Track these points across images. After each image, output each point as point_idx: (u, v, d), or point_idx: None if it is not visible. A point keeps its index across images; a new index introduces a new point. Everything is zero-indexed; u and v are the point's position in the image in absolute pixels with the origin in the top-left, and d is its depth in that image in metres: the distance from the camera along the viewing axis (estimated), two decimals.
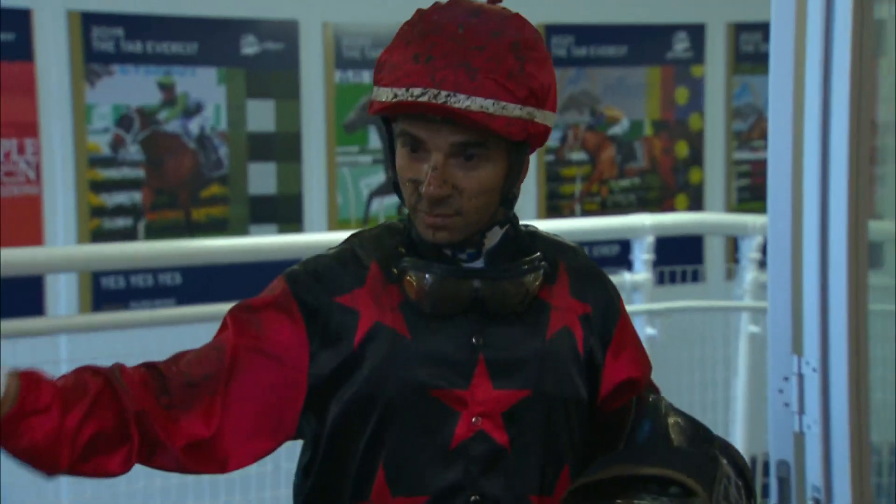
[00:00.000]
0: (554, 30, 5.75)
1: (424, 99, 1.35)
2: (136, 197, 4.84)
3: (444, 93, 1.34)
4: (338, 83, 5.21)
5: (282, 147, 5.14)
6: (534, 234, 1.57)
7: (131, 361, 3.19)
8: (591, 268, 1.59)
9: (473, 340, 1.43)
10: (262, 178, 5.10)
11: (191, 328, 3.63)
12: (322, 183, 5.23)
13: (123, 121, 4.79)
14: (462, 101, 1.34)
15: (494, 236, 1.49)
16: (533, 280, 1.46)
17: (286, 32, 5.12)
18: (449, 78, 1.35)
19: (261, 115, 5.08)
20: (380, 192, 5.33)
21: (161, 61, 4.87)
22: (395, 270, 1.44)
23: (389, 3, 4.85)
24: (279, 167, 5.13)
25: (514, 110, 1.37)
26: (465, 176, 1.40)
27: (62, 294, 4.71)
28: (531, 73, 1.39)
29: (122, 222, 4.81)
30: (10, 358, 3.40)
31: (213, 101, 4.97)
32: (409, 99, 1.37)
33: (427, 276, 1.41)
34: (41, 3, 4.58)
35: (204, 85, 4.96)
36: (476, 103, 1.35)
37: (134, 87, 4.81)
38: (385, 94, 1.40)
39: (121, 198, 4.80)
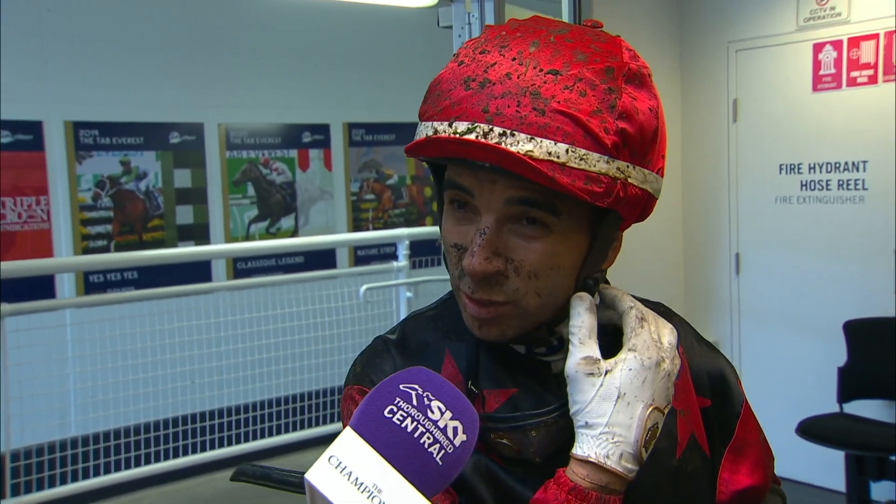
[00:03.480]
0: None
1: (470, 137, 0.79)
2: (108, 228, 5.53)
3: (497, 130, 0.79)
4: (227, 158, 5.97)
5: (195, 196, 5.87)
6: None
7: (109, 324, 4.46)
8: (707, 349, 1.05)
9: None
10: (184, 214, 5.82)
11: (139, 304, 4.62)
12: (220, 216, 5.94)
13: (100, 184, 5.48)
14: (522, 144, 0.79)
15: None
16: None
17: (196, 129, 5.83)
18: (508, 109, 0.79)
19: (182, 178, 5.79)
20: (255, 220, 6.06)
21: (122, 148, 5.57)
22: (473, 388, 0.90)
23: (257, 110, 5.98)
24: (194, 207, 5.86)
25: (598, 163, 0.80)
26: (525, 246, 0.84)
27: (66, 285, 5.39)
28: (628, 112, 0.82)
29: (100, 243, 5.49)
30: (38, 321, 4.19)
31: (153, 171, 5.70)
32: (450, 135, 0.81)
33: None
34: (49, 116, 5.30)
35: (148, 161, 5.68)
36: (541, 148, 0.78)
37: (105, 164, 5.51)
38: (425, 131, 0.85)
39: (99, 229, 5.49)
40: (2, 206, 5.22)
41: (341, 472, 0.69)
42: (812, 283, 4.46)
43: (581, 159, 0.80)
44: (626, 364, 0.83)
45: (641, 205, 0.87)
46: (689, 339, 1.03)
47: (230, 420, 4.84)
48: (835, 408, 4.16)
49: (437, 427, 0.72)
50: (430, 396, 0.73)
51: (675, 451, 0.94)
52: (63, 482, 4.25)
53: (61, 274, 5.45)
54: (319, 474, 0.69)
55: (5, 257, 5.14)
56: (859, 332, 4.17)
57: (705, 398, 1.00)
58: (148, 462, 4.50)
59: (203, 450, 4.70)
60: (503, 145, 0.79)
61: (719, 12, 4.69)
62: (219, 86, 5.94)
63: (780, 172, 4.54)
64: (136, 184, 5.69)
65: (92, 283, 5.55)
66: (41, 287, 5.21)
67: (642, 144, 0.84)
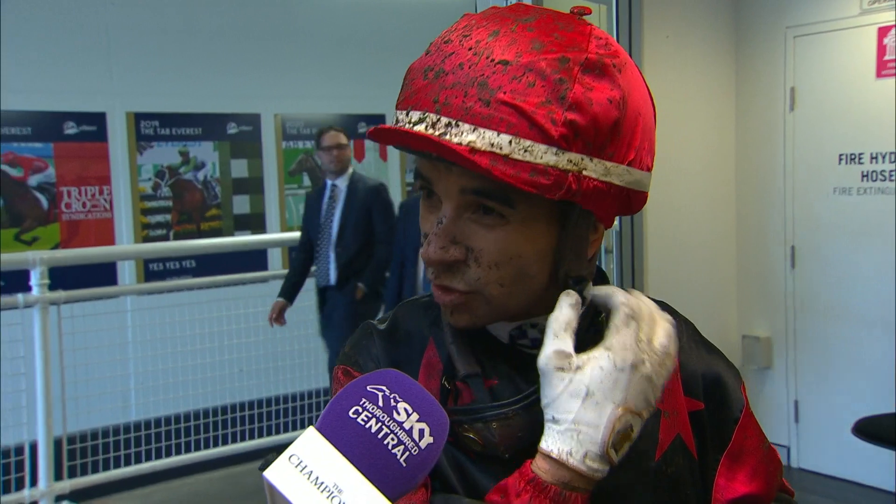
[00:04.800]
0: None
1: (421, 128, 0.77)
2: (168, 217, 5.66)
3: (444, 120, 0.76)
4: (284, 148, 6.01)
5: (252, 186, 5.93)
6: None
7: (169, 310, 4.53)
8: (706, 351, 0.98)
9: None
10: (241, 204, 5.91)
11: (198, 292, 4.67)
12: (276, 206, 6.01)
13: (159, 174, 5.63)
14: (465, 135, 0.75)
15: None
16: None
17: (253, 120, 5.92)
18: (455, 100, 0.76)
19: (239, 168, 5.88)
20: None
21: (180, 139, 5.67)
22: (445, 384, 0.86)
23: (313, 101, 6.00)
24: (251, 197, 5.94)
25: (545, 155, 0.75)
26: (483, 235, 0.81)
27: (126, 272, 5.55)
28: (580, 103, 0.76)
29: (159, 232, 5.65)
30: (92, 308, 4.18)
31: (210, 161, 5.77)
32: (401, 126, 0.79)
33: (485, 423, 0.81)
34: (111, 108, 5.44)
35: (206, 152, 5.75)
36: (484, 139, 0.75)
37: (165, 154, 5.64)
38: (391, 119, 0.83)
39: (158, 218, 5.64)
40: (67, 195, 5.34)
41: (301, 471, 0.67)
42: (871, 278, 4.21)
43: (526, 151, 0.75)
44: (597, 362, 0.78)
45: (609, 198, 0.81)
46: (685, 340, 0.97)
47: (277, 409, 4.82)
48: (893, 408, 3.90)
49: (401, 428, 0.70)
50: (398, 398, 0.72)
51: (654, 452, 0.89)
52: (117, 466, 4.29)
53: (122, 261, 5.56)
54: (279, 473, 0.66)
55: (70, 245, 5.31)
56: None
57: (698, 401, 0.94)
58: (198, 448, 4.51)
59: (251, 438, 4.69)
60: (447, 136, 0.76)
61: None
62: (275, 77, 5.96)
63: (840, 163, 4.29)
64: (194, 174, 5.76)
65: (151, 270, 5.66)
66: (104, 274, 5.32)
67: (598, 136, 0.78)
